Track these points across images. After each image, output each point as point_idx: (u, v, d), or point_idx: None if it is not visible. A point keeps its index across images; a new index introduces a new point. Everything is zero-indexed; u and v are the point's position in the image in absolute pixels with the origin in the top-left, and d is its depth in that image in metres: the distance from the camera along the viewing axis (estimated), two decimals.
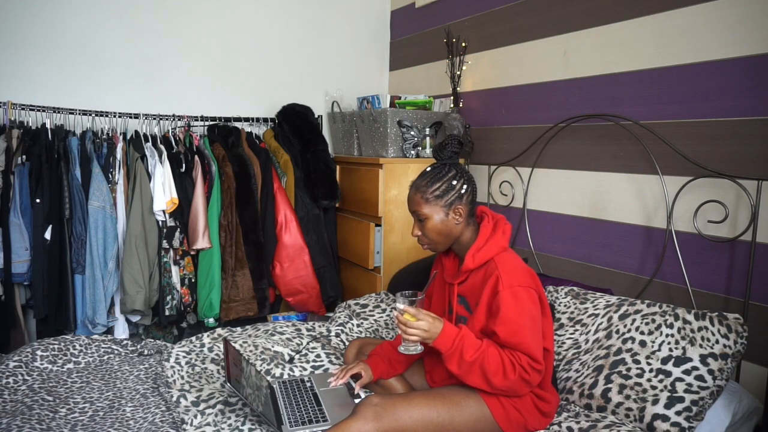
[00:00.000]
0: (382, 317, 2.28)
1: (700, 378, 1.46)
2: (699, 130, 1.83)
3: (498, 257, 1.45)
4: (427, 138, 2.71)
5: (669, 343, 1.55)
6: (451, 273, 1.58)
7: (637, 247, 2.03)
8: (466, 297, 1.51)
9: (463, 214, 1.49)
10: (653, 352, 1.55)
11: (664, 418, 1.40)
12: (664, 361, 1.52)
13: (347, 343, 2.06)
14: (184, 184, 2.58)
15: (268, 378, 1.76)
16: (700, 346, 1.52)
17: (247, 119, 2.97)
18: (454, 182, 1.49)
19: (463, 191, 1.49)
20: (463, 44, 2.74)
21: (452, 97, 2.75)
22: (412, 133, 2.70)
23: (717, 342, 1.51)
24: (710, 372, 1.47)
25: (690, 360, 1.50)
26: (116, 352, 2.00)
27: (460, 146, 1.54)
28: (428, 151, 2.71)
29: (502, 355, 1.36)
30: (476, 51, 2.75)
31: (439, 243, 1.53)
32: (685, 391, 1.45)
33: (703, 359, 1.49)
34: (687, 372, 1.48)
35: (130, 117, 2.67)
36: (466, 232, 1.52)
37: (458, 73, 2.74)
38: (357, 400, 1.61)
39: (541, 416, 1.47)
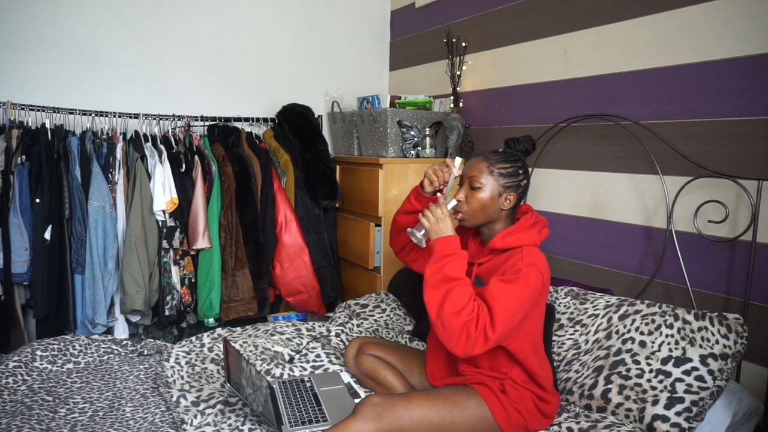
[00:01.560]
0: (382, 317, 2.28)
1: (700, 378, 1.46)
2: (699, 130, 1.83)
3: (527, 248, 1.45)
4: (427, 138, 2.70)
5: (669, 344, 1.55)
6: (474, 254, 1.58)
7: (637, 247, 2.03)
8: (483, 278, 1.50)
9: (511, 202, 1.50)
10: (653, 353, 1.55)
11: (664, 419, 1.40)
12: (664, 361, 1.52)
13: (347, 343, 2.06)
14: (184, 184, 2.58)
15: (268, 378, 1.76)
16: (700, 346, 1.52)
17: (247, 119, 2.97)
18: (521, 171, 1.51)
19: (522, 184, 1.51)
20: (463, 44, 2.74)
21: (452, 97, 2.75)
22: (412, 133, 2.70)
23: (717, 342, 1.51)
24: (710, 372, 1.47)
25: (690, 360, 1.50)
26: (116, 352, 2.00)
27: (533, 147, 1.57)
28: (428, 151, 2.71)
29: (471, 301, 1.34)
30: (476, 51, 2.75)
31: (476, 216, 1.51)
32: (685, 391, 1.45)
33: (703, 359, 1.49)
34: (687, 372, 1.48)
35: (130, 117, 2.67)
36: (501, 221, 1.53)
37: (458, 73, 2.74)
38: (357, 400, 1.61)
39: (542, 417, 1.47)
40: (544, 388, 1.49)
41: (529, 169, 1.57)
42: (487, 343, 1.31)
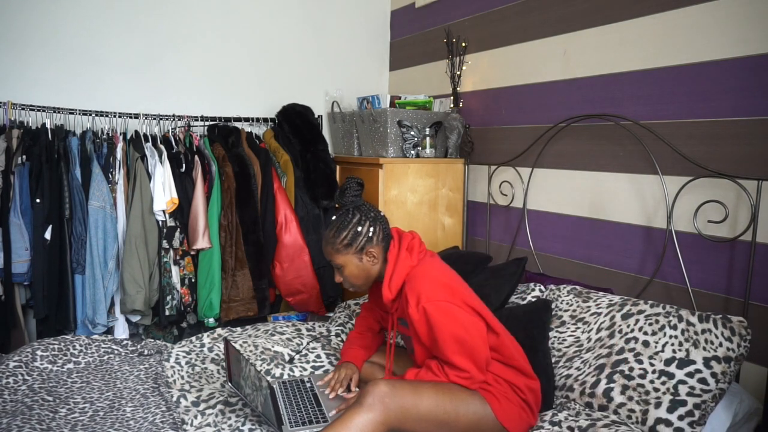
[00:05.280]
0: None
1: (703, 381, 1.46)
2: (699, 130, 1.83)
3: (409, 279, 1.48)
4: (427, 138, 2.71)
5: (672, 345, 1.55)
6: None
7: (637, 247, 2.03)
8: (404, 317, 1.54)
9: (377, 255, 1.54)
10: (656, 353, 1.55)
11: (668, 423, 1.40)
12: (668, 362, 1.51)
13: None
14: (184, 184, 2.58)
15: (268, 378, 1.76)
16: (704, 348, 1.51)
17: (247, 119, 2.97)
18: (359, 228, 1.52)
19: (371, 234, 1.53)
20: (463, 44, 2.74)
21: (452, 97, 2.75)
22: (412, 133, 2.70)
23: (720, 345, 1.50)
24: (713, 375, 1.46)
25: (693, 362, 1.49)
26: (116, 352, 2.00)
27: (360, 188, 1.59)
28: (428, 151, 2.71)
29: (433, 370, 1.44)
30: (476, 51, 2.75)
31: (361, 285, 1.59)
32: (688, 394, 1.44)
33: (706, 362, 1.48)
34: (690, 375, 1.47)
35: (130, 117, 2.67)
36: (382, 269, 1.57)
37: (458, 73, 2.74)
38: (351, 394, 1.61)
39: (531, 414, 1.50)
40: (525, 374, 1.51)
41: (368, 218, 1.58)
42: (475, 380, 1.43)
